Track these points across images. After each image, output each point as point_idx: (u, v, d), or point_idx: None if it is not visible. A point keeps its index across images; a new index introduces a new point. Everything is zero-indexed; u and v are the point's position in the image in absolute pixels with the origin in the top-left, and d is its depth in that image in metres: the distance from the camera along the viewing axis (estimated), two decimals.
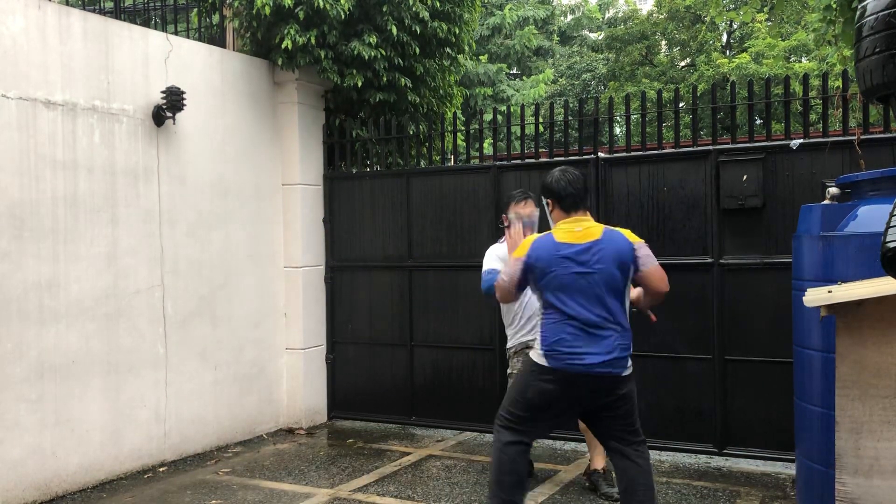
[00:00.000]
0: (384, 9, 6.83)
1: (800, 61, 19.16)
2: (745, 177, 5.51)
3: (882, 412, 2.71)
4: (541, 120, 8.79)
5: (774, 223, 5.49)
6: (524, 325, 5.05)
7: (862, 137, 5.21)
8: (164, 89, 5.84)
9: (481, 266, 6.50)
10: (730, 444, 5.67)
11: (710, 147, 5.79)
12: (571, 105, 6.82)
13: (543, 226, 4.26)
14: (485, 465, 5.80)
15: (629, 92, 8.30)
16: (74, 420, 5.31)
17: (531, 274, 3.82)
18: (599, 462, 5.12)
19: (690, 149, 5.98)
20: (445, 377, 6.75)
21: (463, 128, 7.52)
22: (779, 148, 5.52)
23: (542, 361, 3.76)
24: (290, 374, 7.03)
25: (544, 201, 4.06)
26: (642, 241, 3.83)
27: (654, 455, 5.98)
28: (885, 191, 3.70)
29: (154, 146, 5.90)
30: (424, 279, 6.83)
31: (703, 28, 22.41)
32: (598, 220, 6.00)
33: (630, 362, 3.77)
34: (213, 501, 5.14)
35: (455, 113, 7.76)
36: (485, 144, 11.59)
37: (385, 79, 6.98)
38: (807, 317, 3.86)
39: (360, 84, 6.84)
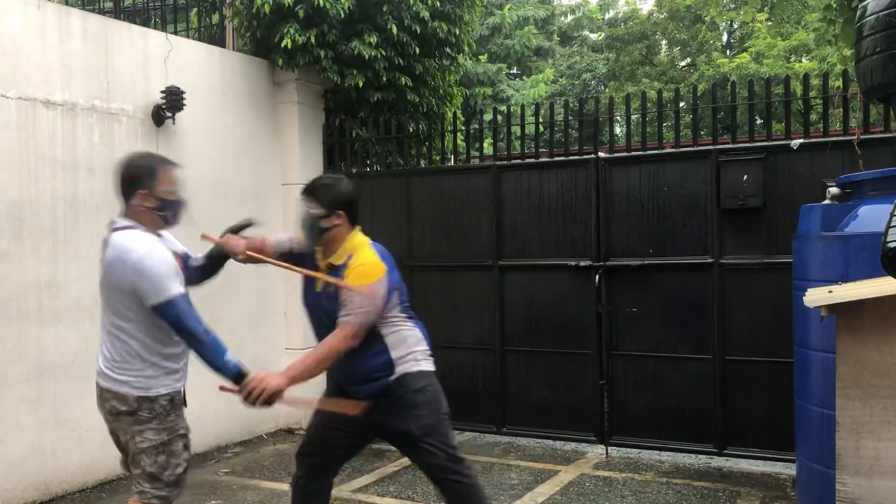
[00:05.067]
0: (384, 8, 6.83)
1: (800, 61, 19.15)
2: (745, 177, 5.50)
3: (883, 412, 2.70)
4: (541, 120, 8.78)
5: (774, 223, 5.48)
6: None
7: (862, 137, 5.20)
8: (163, 89, 5.84)
9: (481, 266, 6.53)
10: (730, 444, 5.66)
11: (711, 147, 5.79)
12: (572, 105, 6.81)
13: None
14: (484, 466, 5.80)
15: (629, 92, 8.30)
16: (74, 420, 5.30)
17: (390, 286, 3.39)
18: None
19: (691, 149, 5.98)
20: (445, 377, 6.64)
21: (463, 128, 7.52)
22: (779, 148, 5.51)
23: (431, 367, 3.55)
24: None
25: (330, 212, 3.35)
26: None
27: (654, 455, 6.00)
28: (886, 191, 3.70)
29: (154, 146, 5.89)
30: (424, 279, 6.82)
31: (704, 28, 22.40)
32: (598, 221, 6.04)
33: None
34: (213, 502, 5.14)
35: (455, 113, 7.76)
36: (485, 144, 11.58)
37: (385, 78, 6.97)
38: (807, 317, 3.85)
39: (360, 84, 6.84)
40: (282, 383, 3.22)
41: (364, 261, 3.36)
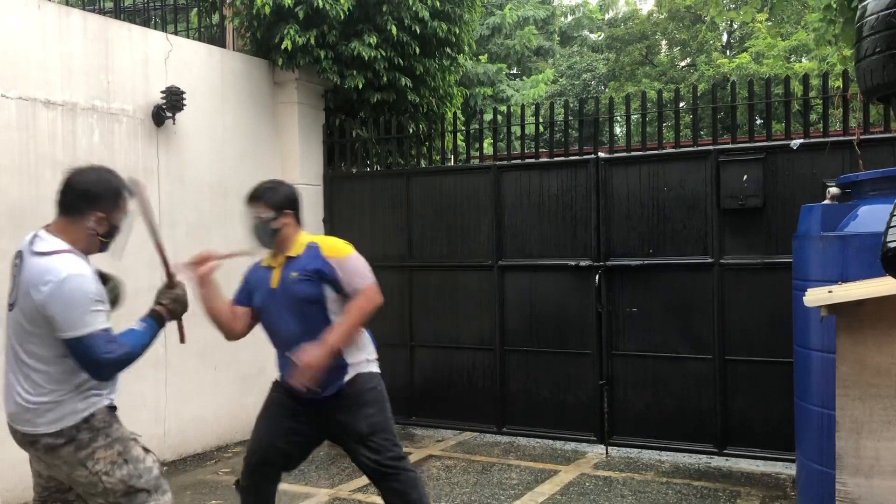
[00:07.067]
0: (384, 9, 6.83)
1: (800, 61, 19.16)
2: (745, 177, 5.51)
3: (882, 412, 2.70)
4: (541, 120, 8.79)
5: (774, 223, 5.49)
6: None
7: (862, 137, 5.21)
8: (163, 89, 5.84)
9: (481, 266, 6.54)
10: (730, 444, 5.66)
11: (711, 147, 5.80)
12: (571, 105, 6.82)
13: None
14: (485, 465, 5.80)
15: (629, 92, 8.31)
16: None
17: None
18: None
19: (691, 149, 5.99)
20: (445, 377, 6.74)
21: (463, 128, 7.53)
22: (779, 148, 5.51)
23: (378, 369, 3.68)
24: None
25: (279, 213, 3.50)
26: None
27: (654, 455, 6.00)
28: (886, 191, 3.70)
29: (154, 146, 5.90)
30: (424, 279, 6.83)
31: (704, 28, 22.42)
32: (598, 221, 6.04)
33: None
34: (213, 501, 5.14)
35: (455, 113, 7.76)
36: (485, 144, 11.58)
37: (385, 79, 6.98)
38: (807, 317, 3.85)
39: (360, 85, 6.85)
40: (323, 354, 3.34)
41: (333, 239, 3.65)
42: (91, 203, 2.75)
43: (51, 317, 2.62)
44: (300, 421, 3.56)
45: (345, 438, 3.55)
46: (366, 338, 3.70)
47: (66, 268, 2.64)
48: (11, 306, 2.75)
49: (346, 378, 3.52)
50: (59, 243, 2.71)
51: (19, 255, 2.76)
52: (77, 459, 2.73)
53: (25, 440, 2.77)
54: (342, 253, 3.52)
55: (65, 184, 2.78)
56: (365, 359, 3.63)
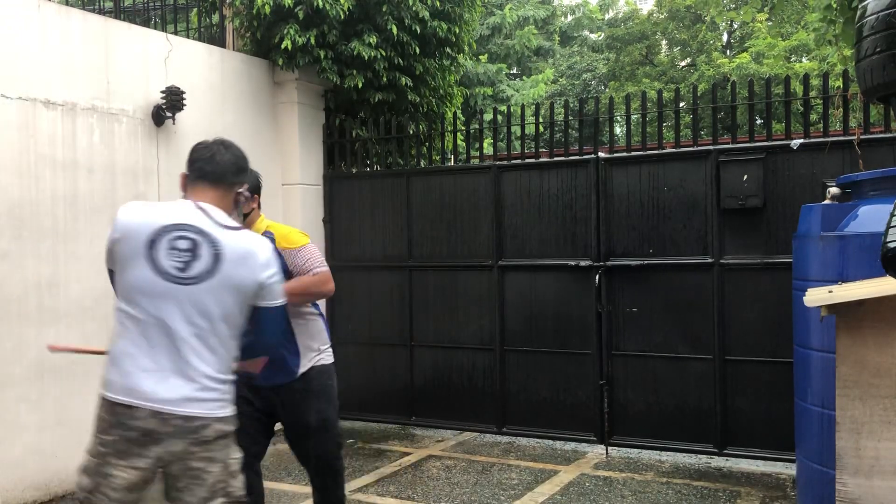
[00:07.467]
0: (384, 8, 6.83)
1: (800, 61, 19.16)
2: (745, 177, 5.51)
3: (882, 412, 2.70)
4: (541, 120, 8.79)
5: (774, 223, 5.49)
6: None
7: (862, 137, 5.21)
8: (163, 89, 5.84)
9: (481, 266, 6.54)
10: (730, 444, 5.66)
11: (711, 147, 5.80)
12: (572, 105, 6.82)
13: None
14: (485, 465, 5.80)
15: (629, 92, 8.30)
16: (75, 420, 5.29)
17: None
18: None
19: (691, 149, 5.99)
20: (445, 377, 6.74)
21: (463, 128, 7.53)
22: (779, 148, 5.51)
23: (332, 359, 3.77)
24: None
25: (250, 196, 3.46)
26: None
27: (654, 455, 6.00)
28: (886, 191, 3.70)
29: (154, 146, 5.90)
30: (424, 279, 6.82)
31: (704, 28, 22.42)
32: (598, 221, 6.04)
33: None
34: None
35: (455, 113, 7.77)
36: (485, 144, 11.58)
37: (385, 79, 6.98)
38: (807, 317, 3.85)
39: (360, 85, 6.85)
40: None
41: (289, 229, 3.66)
42: (239, 175, 2.77)
43: (267, 288, 2.65)
44: (255, 408, 3.63)
45: (293, 428, 3.68)
46: (320, 325, 3.73)
47: (265, 242, 2.73)
48: (193, 280, 2.53)
49: (300, 370, 3.59)
50: (231, 220, 2.68)
51: (187, 229, 2.55)
52: (222, 455, 2.58)
53: (187, 428, 2.49)
54: (296, 244, 3.57)
55: (213, 154, 2.72)
56: (318, 347, 3.68)
